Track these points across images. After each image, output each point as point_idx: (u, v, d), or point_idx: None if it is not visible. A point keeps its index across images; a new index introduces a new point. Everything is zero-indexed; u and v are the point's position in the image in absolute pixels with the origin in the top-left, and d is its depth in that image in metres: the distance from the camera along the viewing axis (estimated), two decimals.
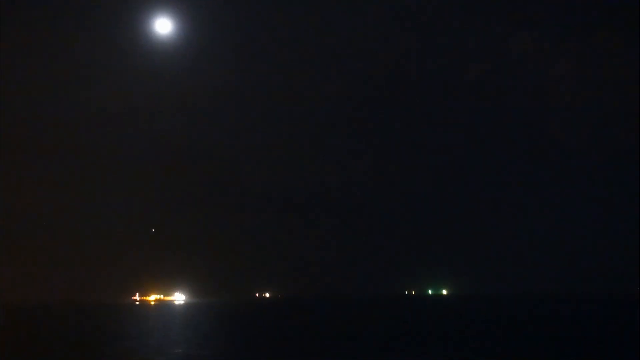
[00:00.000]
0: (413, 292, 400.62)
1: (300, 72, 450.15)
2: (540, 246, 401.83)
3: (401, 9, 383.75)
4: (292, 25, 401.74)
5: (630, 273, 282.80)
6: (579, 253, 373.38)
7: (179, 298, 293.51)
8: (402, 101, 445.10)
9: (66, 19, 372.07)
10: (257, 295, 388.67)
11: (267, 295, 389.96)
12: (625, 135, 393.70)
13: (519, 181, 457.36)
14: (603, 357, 36.91)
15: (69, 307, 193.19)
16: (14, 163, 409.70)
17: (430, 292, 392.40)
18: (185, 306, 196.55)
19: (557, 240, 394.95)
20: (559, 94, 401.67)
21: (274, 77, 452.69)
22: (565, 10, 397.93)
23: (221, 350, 43.08)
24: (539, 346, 42.96)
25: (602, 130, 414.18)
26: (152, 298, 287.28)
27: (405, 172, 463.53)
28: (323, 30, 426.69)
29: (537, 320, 78.16)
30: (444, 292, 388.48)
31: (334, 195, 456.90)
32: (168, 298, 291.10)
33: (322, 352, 40.92)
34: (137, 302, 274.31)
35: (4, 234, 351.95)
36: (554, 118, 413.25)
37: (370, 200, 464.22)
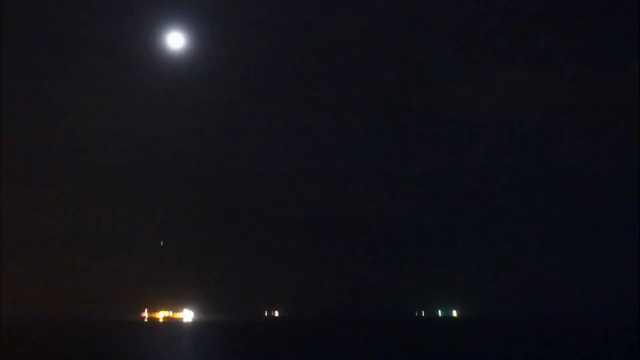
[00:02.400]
0: (423, 313, 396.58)
1: (320, 83, 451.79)
2: (555, 268, 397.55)
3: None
4: (312, 38, 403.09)
5: None
6: (595, 276, 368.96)
7: (187, 316, 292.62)
8: (416, 122, 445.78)
9: (75, 34, 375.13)
10: (265, 313, 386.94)
11: (276, 313, 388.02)
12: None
13: (534, 202, 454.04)
14: None
15: (73, 325, 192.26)
16: (19, 176, 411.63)
17: (440, 313, 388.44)
18: (194, 326, 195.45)
19: (572, 263, 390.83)
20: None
21: (292, 90, 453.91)
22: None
23: None
24: None
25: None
26: (161, 315, 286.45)
27: (418, 189, 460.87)
28: (342, 42, 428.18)
29: (547, 345, 76.57)
30: (454, 313, 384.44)
31: (344, 212, 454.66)
32: (177, 315, 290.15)
33: None
34: (146, 320, 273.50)
35: (5, 246, 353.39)
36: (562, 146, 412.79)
37: (381, 218, 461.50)
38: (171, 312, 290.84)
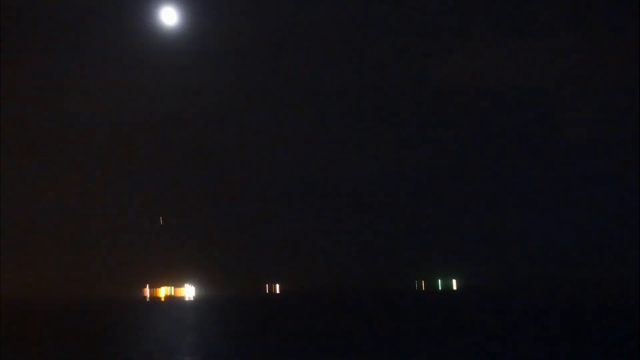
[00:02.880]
0: (423, 284, 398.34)
1: (323, 60, 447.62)
2: (553, 234, 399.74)
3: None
4: (312, 12, 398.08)
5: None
6: (591, 238, 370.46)
7: (189, 292, 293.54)
8: (418, 101, 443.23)
9: (68, 11, 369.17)
10: (267, 287, 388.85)
11: (277, 287, 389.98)
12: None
13: (532, 173, 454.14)
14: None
15: (74, 303, 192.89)
16: (18, 158, 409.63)
17: (440, 283, 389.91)
18: (197, 304, 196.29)
19: (570, 226, 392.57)
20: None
21: (292, 67, 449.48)
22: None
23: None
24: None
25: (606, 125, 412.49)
26: (162, 293, 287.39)
27: (418, 162, 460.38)
28: (349, 20, 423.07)
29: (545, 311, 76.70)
30: (454, 282, 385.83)
31: (345, 187, 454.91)
32: (178, 292, 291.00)
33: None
34: (147, 299, 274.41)
35: (6, 226, 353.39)
36: (561, 116, 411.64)
37: (380, 191, 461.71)
38: (172, 287, 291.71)
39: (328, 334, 68.60)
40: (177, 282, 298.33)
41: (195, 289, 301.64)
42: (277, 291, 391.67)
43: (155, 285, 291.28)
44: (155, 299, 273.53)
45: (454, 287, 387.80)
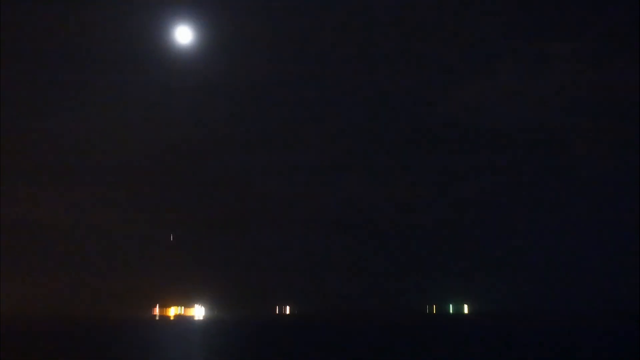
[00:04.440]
0: (434, 309, 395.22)
1: (334, 84, 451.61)
2: (565, 263, 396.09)
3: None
4: (324, 34, 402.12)
5: None
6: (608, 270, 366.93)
7: (198, 312, 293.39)
8: (427, 130, 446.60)
9: (83, 28, 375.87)
10: (277, 309, 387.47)
11: (288, 310, 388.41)
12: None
13: (543, 198, 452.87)
14: None
15: (83, 322, 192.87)
16: (30, 174, 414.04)
17: (451, 309, 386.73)
18: (205, 323, 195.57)
19: (581, 256, 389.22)
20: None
21: (303, 89, 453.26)
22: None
23: None
24: None
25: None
26: (172, 312, 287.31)
27: (429, 186, 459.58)
28: (357, 41, 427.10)
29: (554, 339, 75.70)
30: (466, 308, 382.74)
31: (356, 209, 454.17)
32: (188, 312, 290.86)
33: None
34: (157, 318, 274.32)
35: (17, 245, 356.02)
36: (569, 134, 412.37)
37: (392, 215, 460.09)
38: (182, 308, 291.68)
39: (338, 355, 68.27)
40: (187, 303, 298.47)
41: (205, 310, 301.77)
42: (287, 312, 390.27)
43: (165, 305, 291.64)
44: (164, 318, 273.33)
45: (465, 311, 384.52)
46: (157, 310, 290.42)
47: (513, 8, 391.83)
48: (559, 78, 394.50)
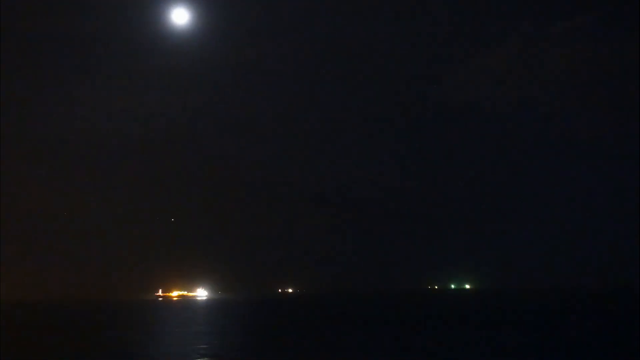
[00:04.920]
0: (436, 287, 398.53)
1: (325, 63, 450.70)
2: (564, 240, 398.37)
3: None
4: (316, 15, 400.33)
5: None
6: (602, 247, 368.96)
7: (201, 294, 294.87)
8: (430, 101, 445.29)
9: (80, 11, 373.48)
10: (279, 290, 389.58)
11: (290, 290, 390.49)
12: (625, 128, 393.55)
13: (539, 176, 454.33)
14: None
15: (90, 304, 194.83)
16: (37, 161, 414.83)
17: (453, 286, 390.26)
18: (208, 302, 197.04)
19: (579, 234, 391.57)
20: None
21: (296, 69, 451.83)
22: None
23: (243, 349, 42.47)
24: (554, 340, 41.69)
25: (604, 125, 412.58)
26: (175, 294, 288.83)
27: (429, 167, 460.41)
28: (350, 23, 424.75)
29: (552, 314, 76.55)
30: (467, 286, 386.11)
31: (357, 190, 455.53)
32: (191, 294, 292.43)
33: (339, 348, 40.16)
34: (160, 299, 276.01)
35: (27, 232, 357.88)
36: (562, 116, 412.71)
37: (393, 195, 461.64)
38: (185, 291, 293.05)
39: (337, 332, 68.81)
40: (190, 286, 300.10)
41: (208, 292, 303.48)
42: (290, 291, 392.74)
43: (168, 289, 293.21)
44: (167, 298, 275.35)
45: (467, 287, 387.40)
46: (160, 293, 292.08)
47: None
48: (557, 57, 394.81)
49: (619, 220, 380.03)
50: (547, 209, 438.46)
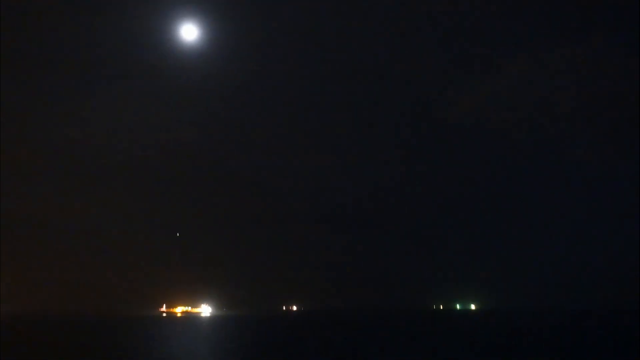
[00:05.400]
0: (441, 307, 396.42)
1: (332, 81, 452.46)
2: (569, 262, 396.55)
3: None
4: (324, 32, 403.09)
5: None
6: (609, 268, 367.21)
7: (205, 310, 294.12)
8: (432, 121, 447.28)
9: (91, 27, 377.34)
10: (284, 308, 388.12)
11: (294, 308, 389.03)
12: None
13: (545, 197, 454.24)
14: None
15: (94, 319, 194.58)
16: (42, 175, 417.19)
17: (458, 306, 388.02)
18: (212, 320, 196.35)
19: (583, 256, 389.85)
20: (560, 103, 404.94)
21: (302, 85, 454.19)
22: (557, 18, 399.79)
23: None
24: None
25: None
26: (179, 310, 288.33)
27: (435, 187, 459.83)
28: (357, 39, 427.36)
29: (560, 334, 75.91)
30: (473, 307, 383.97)
31: (362, 209, 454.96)
32: (195, 310, 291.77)
33: None
34: (164, 314, 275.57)
35: (30, 246, 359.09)
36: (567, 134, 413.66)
37: (399, 214, 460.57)
38: (189, 307, 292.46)
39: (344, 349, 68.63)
40: (194, 303, 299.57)
41: (212, 308, 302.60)
42: (294, 309, 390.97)
43: (172, 305, 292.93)
44: (171, 314, 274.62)
45: (472, 307, 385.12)
46: (164, 308, 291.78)
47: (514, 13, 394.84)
48: (560, 82, 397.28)
49: (623, 238, 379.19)
50: (553, 229, 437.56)
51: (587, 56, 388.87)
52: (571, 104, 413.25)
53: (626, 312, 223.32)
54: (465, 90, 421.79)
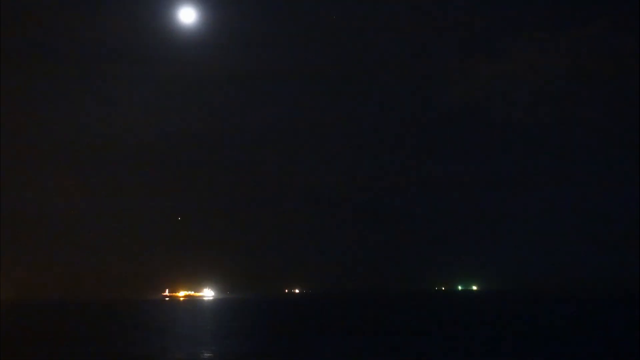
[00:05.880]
0: (443, 288, 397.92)
1: (330, 65, 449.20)
2: (572, 241, 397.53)
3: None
4: (322, 19, 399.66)
5: None
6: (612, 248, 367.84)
7: (208, 294, 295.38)
8: (433, 105, 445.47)
9: (87, 9, 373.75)
10: (286, 291, 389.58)
11: (297, 291, 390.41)
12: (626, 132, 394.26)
13: (547, 178, 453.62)
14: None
15: (97, 304, 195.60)
16: (49, 160, 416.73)
17: (460, 288, 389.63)
18: (214, 302, 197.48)
19: (586, 238, 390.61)
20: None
21: (302, 69, 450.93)
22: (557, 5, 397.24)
23: (247, 348, 42.42)
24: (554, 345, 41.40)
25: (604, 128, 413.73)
26: (182, 294, 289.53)
27: (436, 168, 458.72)
28: (350, 24, 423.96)
29: (555, 317, 76.12)
30: (474, 287, 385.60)
31: (364, 191, 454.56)
32: (197, 294, 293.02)
33: (342, 348, 40.06)
34: (167, 299, 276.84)
35: (32, 231, 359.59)
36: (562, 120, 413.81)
37: (400, 195, 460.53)
38: (192, 291, 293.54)
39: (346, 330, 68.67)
40: (197, 287, 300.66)
41: (215, 292, 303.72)
42: (297, 292, 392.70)
43: (175, 289, 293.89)
44: (174, 298, 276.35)
45: (474, 288, 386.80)
46: (167, 293, 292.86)
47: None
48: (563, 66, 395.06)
49: (623, 223, 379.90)
50: (555, 211, 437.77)
51: (588, 40, 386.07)
52: (571, 88, 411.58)
53: (628, 298, 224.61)
54: (468, 74, 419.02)
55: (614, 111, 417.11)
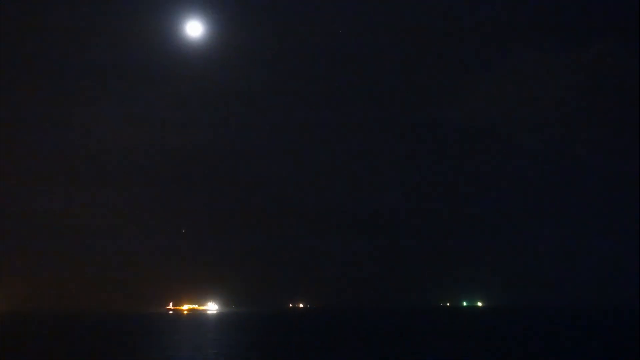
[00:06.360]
0: (448, 304, 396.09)
1: (336, 81, 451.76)
2: (577, 259, 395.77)
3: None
4: (327, 34, 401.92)
5: None
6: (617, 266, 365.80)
7: (211, 308, 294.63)
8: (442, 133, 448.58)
9: (95, 22, 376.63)
10: (290, 305, 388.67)
11: (301, 305, 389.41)
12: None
13: (551, 194, 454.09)
14: None
15: (102, 316, 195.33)
16: (50, 173, 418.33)
17: (465, 304, 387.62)
18: (218, 316, 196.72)
19: (591, 253, 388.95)
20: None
21: (312, 85, 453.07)
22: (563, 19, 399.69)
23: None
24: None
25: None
26: (185, 307, 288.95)
27: (441, 186, 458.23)
28: (355, 39, 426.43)
29: (566, 332, 75.43)
30: (479, 304, 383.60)
31: (367, 207, 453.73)
32: (201, 308, 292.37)
33: None
34: (171, 312, 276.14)
35: (35, 243, 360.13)
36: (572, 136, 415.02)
37: (404, 211, 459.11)
38: (196, 305, 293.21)
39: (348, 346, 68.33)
40: (201, 300, 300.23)
41: (219, 306, 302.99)
42: (301, 306, 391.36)
43: (179, 302, 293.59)
44: (177, 312, 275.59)
45: (479, 305, 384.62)
46: (171, 306, 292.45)
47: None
48: (562, 85, 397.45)
49: (625, 237, 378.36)
50: (558, 226, 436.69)
51: (589, 59, 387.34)
52: (573, 105, 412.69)
53: (632, 309, 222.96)
54: (475, 91, 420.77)
55: (616, 125, 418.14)
